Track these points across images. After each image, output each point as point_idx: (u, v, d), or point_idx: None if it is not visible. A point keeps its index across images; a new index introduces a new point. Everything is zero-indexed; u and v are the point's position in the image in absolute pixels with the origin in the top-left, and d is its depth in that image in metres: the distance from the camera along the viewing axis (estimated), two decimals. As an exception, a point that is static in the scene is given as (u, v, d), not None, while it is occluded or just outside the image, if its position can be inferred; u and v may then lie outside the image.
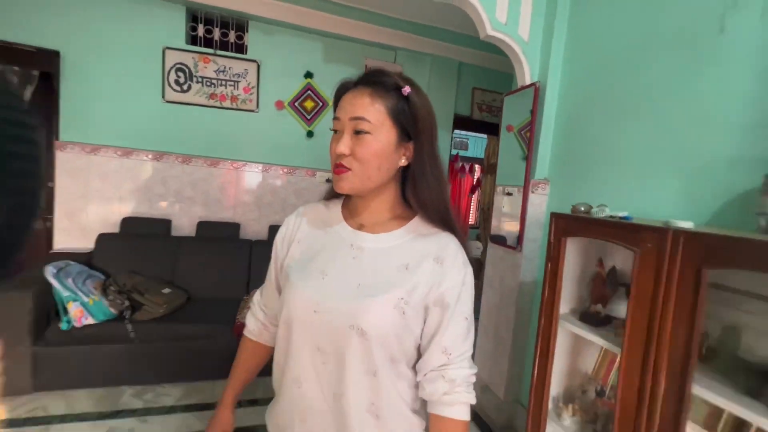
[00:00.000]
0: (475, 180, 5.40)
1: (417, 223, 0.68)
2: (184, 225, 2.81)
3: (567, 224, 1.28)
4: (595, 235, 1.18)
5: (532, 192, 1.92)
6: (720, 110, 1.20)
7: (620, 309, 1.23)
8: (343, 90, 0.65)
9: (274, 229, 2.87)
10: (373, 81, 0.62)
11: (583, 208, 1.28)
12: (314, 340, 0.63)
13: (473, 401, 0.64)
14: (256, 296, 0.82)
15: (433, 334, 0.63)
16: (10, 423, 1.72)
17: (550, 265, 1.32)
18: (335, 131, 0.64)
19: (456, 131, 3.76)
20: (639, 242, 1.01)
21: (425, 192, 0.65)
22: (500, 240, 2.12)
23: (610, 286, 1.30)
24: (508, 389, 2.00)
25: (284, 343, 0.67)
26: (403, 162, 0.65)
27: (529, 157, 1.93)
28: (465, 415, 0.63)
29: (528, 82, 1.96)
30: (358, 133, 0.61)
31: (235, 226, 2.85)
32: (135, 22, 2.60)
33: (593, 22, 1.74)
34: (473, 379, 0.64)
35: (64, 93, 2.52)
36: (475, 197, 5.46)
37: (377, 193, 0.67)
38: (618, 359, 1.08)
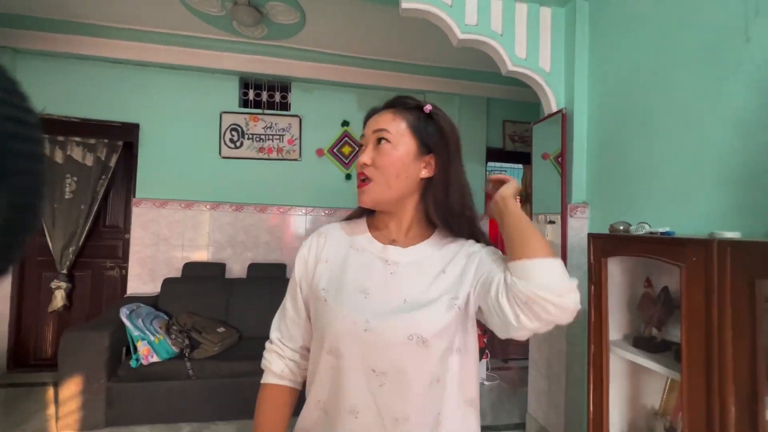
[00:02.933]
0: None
1: (440, 234, 0.70)
2: (237, 267, 3.03)
3: (606, 244, 1.25)
4: (636, 252, 1.14)
5: (571, 216, 1.88)
6: (755, 117, 1.16)
7: (677, 332, 1.14)
8: (371, 114, 0.71)
9: (317, 268, 2.99)
10: (396, 103, 0.69)
11: (621, 227, 1.25)
12: (367, 362, 0.60)
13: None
14: (273, 335, 0.74)
15: (491, 276, 0.60)
16: (85, 456, 1.86)
17: (593, 288, 1.27)
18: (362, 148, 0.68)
19: (492, 163, 3.81)
20: (683, 257, 0.97)
21: (449, 199, 0.66)
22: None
23: (663, 307, 1.22)
24: (567, 430, 1.84)
25: (332, 372, 0.63)
26: (425, 174, 0.67)
27: (563, 182, 1.92)
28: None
29: (554, 109, 2.00)
30: (379, 142, 0.65)
31: (282, 267, 3.01)
32: (197, 93, 3.03)
33: (614, 45, 1.77)
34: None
35: (141, 157, 2.95)
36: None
37: (400, 206, 0.68)
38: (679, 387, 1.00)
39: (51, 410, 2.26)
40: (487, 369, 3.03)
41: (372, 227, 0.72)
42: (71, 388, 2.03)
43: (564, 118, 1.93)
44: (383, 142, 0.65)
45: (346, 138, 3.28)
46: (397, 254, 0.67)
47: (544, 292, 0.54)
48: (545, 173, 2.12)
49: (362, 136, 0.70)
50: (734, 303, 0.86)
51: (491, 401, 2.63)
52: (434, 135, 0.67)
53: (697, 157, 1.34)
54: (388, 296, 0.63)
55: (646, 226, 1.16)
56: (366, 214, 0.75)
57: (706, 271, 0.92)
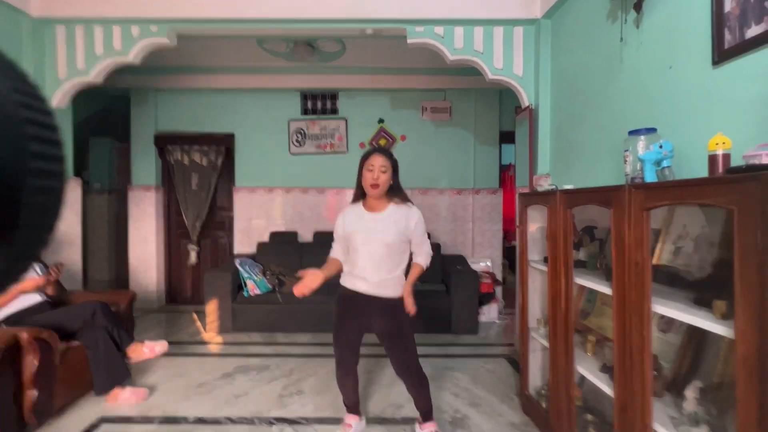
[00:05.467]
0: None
1: (394, 205, 1.68)
2: (306, 234, 4.12)
3: (525, 199, 1.99)
4: (535, 202, 1.88)
5: (537, 186, 2.56)
6: (622, 109, 1.80)
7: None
8: (371, 153, 1.68)
9: (363, 234, 3.97)
10: (386, 153, 1.67)
11: (538, 188, 1.97)
12: (368, 252, 1.63)
13: (427, 263, 1.62)
14: (335, 248, 1.80)
15: (414, 238, 1.64)
16: (225, 344, 3.06)
17: (519, 227, 2.03)
18: (369, 171, 1.64)
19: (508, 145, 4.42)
20: (548, 201, 1.71)
21: (399, 191, 1.68)
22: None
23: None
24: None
25: (355, 255, 1.67)
26: (391, 182, 1.66)
27: (530, 158, 2.60)
28: (423, 264, 1.62)
29: (525, 105, 2.66)
30: (382, 172, 1.62)
31: (337, 234, 4.03)
32: (271, 107, 4.11)
33: (566, 53, 2.40)
34: (429, 256, 1.65)
35: (237, 157, 4.13)
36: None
37: (383, 195, 1.67)
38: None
39: (198, 323, 3.55)
40: (499, 312, 3.77)
41: (365, 206, 1.71)
42: (212, 306, 3.26)
43: (530, 112, 2.60)
44: (383, 171, 1.62)
45: (382, 132, 4.15)
46: (377, 216, 1.68)
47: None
48: (524, 154, 2.79)
49: (370, 164, 1.66)
50: (564, 224, 1.60)
51: (497, 332, 3.40)
52: (395, 166, 1.67)
53: (598, 136, 1.99)
54: (375, 229, 1.63)
55: (547, 186, 1.88)
56: (360, 200, 1.74)
57: (554, 208, 1.65)
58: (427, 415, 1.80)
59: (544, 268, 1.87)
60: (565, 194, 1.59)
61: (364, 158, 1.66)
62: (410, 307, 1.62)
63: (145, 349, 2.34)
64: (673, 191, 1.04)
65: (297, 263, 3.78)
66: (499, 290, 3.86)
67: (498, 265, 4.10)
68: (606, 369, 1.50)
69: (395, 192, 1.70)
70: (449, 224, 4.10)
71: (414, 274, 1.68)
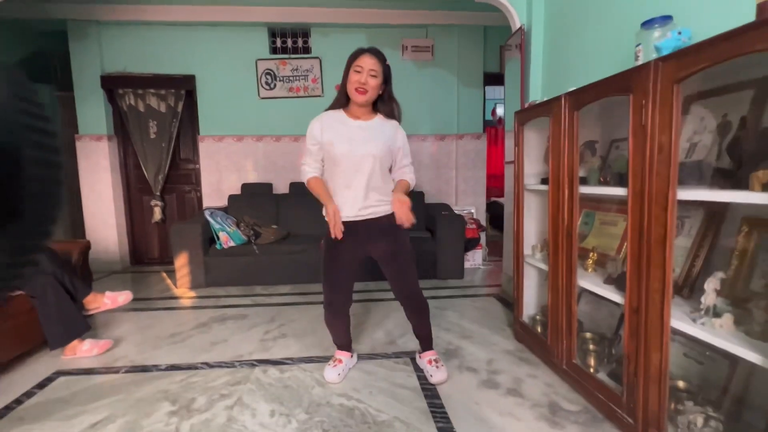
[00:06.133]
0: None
1: (380, 117, 1.49)
2: (281, 185, 3.85)
3: (522, 115, 1.83)
4: (535, 115, 1.73)
5: (528, 113, 2.41)
6: (618, 26, 1.64)
7: (562, 167, 1.74)
8: (360, 52, 1.43)
9: (343, 183, 3.75)
10: (377, 53, 1.42)
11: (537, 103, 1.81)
12: (353, 166, 1.42)
13: (413, 183, 1.48)
14: (306, 162, 1.53)
15: (399, 158, 1.46)
16: (198, 298, 2.85)
17: (516, 148, 1.88)
18: (357, 72, 1.40)
19: (496, 88, 4.25)
20: (551, 109, 1.56)
21: (388, 105, 1.49)
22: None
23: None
24: (523, 272, 2.52)
25: (336, 170, 1.46)
26: (380, 91, 1.46)
27: (522, 85, 2.43)
28: (410, 181, 1.45)
29: (516, 27, 2.45)
30: (372, 76, 1.39)
31: (315, 184, 3.79)
32: (235, 45, 3.69)
33: (560, -33, 2.18)
34: (413, 180, 1.49)
35: (200, 102, 3.73)
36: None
37: (369, 103, 1.46)
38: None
39: (168, 281, 3.30)
40: (484, 259, 3.73)
41: (347, 114, 1.48)
42: (182, 260, 3.01)
43: (523, 32, 2.40)
44: (373, 75, 1.37)
45: (359, 74, 3.84)
46: (363, 123, 1.47)
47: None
48: (515, 90, 2.61)
49: (358, 65, 1.41)
50: (569, 131, 1.46)
51: (482, 276, 3.36)
52: (387, 74, 1.46)
53: (601, 50, 1.83)
54: (361, 138, 1.43)
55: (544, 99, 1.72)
56: (340, 107, 1.51)
57: (559, 114, 1.50)
58: (427, 342, 1.70)
59: (543, 187, 1.75)
60: (572, 95, 1.44)
61: (352, 58, 1.43)
62: (406, 217, 1.42)
63: (105, 300, 2.10)
64: (714, 48, 0.89)
65: (273, 216, 3.55)
66: (483, 236, 3.81)
67: (482, 212, 4.03)
68: (611, 280, 1.42)
69: (384, 104, 1.49)
70: (432, 172, 3.94)
71: (402, 186, 1.49)
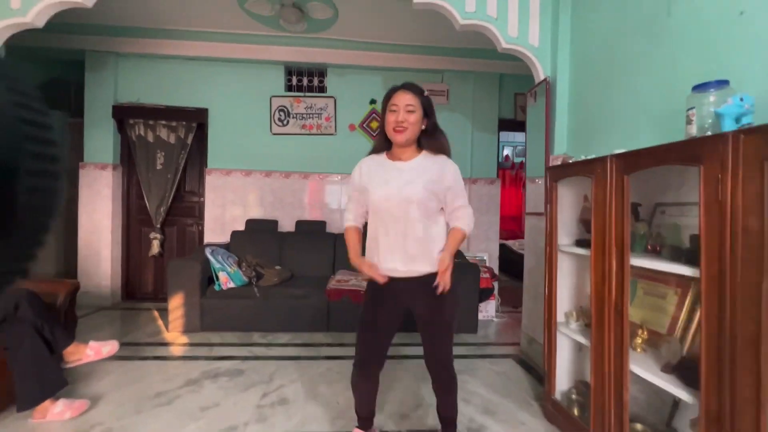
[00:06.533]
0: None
1: (425, 154, 1.34)
2: (287, 223, 3.71)
3: (556, 172, 1.71)
4: (572, 174, 1.61)
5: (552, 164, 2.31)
6: (673, 75, 1.57)
7: (602, 230, 1.60)
8: (394, 90, 1.31)
9: (351, 224, 3.61)
10: (413, 88, 1.30)
11: (571, 160, 1.70)
12: (391, 212, 1.30)
13: (470, 227, 1.33)
14: (348, 209, 1.45)
15: (450, 199, 1.30)
16: (190, 345, 2.61)
17: (548, 206, 1.75)
18: (392, 112, 1.29)
19: (511, 137, 4.22)
20: (594, 170, 1.44)
21: (434, 139, 1.34)
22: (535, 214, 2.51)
23: (598, 217, 1.67)
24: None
25: (375, 218, 1.35)
26: (423, 126, 1.32)
27: (546, 137, 2.35)
28: (464, 228, 1.31)
29: (541, 78, 2.41)
30: (409, 111, 1.26)
31: (322, 223, 3.65)
32: (251, 81, 3.68)
33: (588, 23, 2.16)
34: (471, 219, 1.33)
35: (211, 135, 3.67)
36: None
37: (411, 143, 1.33)
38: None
39: (160, 322, 3.07)
40: (497, 310, 3.51)
41: (388, 156, 1.37)
42: (177, 301, 2.80)
43: (548, 84, 2.35)
44: (410, 110, 1.26)
45: (373, 114, 3.82)
46: (403, 165, 1.35)
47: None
48: (537, 138, 2.54)
49: (393, 104, 1.30)
50: (616, 196, 1.33)
51: (497, 330, 3.13)
52: (427, 106, 1.31)
53: (635, 104, 1.75)
54: (398, 182, 1.31)
55: (582, 156, 1.61)
56: (384, 150, 1.40)
57: (603, 179, 1.38)
58: (451, 426, 1.48)
59: (580, 251, 1.60)
60: (620, 159, 1.32)
61: (387, 98, 1.31)
62: (444, 282, 1.26)
63: (89, 351, 1.89)
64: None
65: (276, 255, 3.38)
66: (496, 285, 3.61)
67: (495, 258, 3.86)
68: (670, 369, 1.23)
69: (430, 138, 1.34)
70: (444, 215, 3.81)
71: (453, 241, 1.30)
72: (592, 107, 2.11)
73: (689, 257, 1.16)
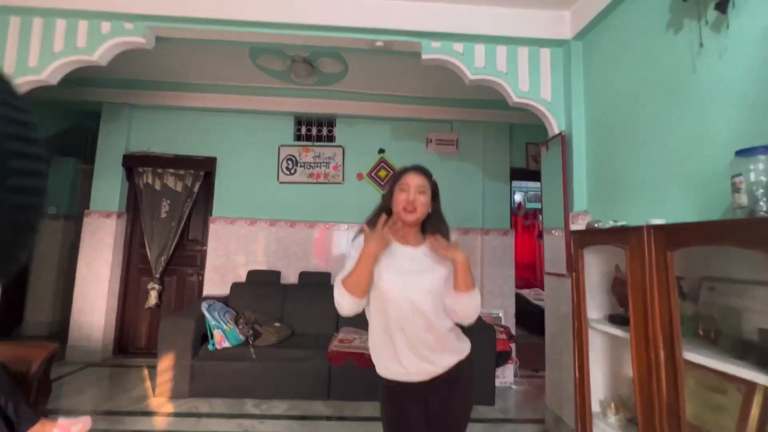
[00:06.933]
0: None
1: (428, 239, 1.23)
2: (290, 275, 3.54)
3: (582, 238, 1.54)
4: (600, 242, 1.43)
5: (573, 223, 2.14)
6: (703, 134, 1.43)
7: (639, 307, 1.39)
8: (404, 171, 1.25)
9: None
10: (424, 172, 1.25)
11: (596, 224, 1.54)
12: (403, 306, 1.14)
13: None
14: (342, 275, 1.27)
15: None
16: (175, 415, 2.37)
17: (574, 275, 1.56)
18: (403, 191, 1.21)
19: (522, 183, 4.09)
20: (627, 240, 1.27)
21: (441, 222, 1.27)
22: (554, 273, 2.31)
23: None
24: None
25: (380, 316, 1.17)
26: (429, 210, 1.25)
27: (564, 193, 2.21)
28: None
29: (556, 132, 2.31)
30: (420, 192, 1.21)
31: (327, 275, 3.48)
32: (260, 131, 3.71)
33: (603, 77, 2.09)
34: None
35: (217, 183, 3.64)
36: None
37: (419, 223, 1.25)
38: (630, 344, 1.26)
39: (148, 383, 2.84)
40: (515, 375, 3.19)
41: (395, 236, 1.24)
42: (166, 363, 2.59)
43: (563, 139, 2.24)
44: (421, 191, 1.22)
45: (382, 163, 3.76)
46: (413, 252, 1.23)
47: (460, 318, 1.17)
48: (553, 189, 2.40)
49: (404, 184, 1.23)
50: (658, 272, 1.14)
51: (517, 401, 2.80)
52: (435, 190, 1.27)
53: (663, 165, 1.61)
54: (412, 270, 1.18)
55: (611, 222, 1.45)
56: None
57: (641, 250, 1.21)
58: None
59: (616, 331, 1.39)
60: (662, 231, 1.15)
61: (396, 177, 1.26)
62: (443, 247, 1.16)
63: (56, 430, 1.68)
64: None
65: (277, 308, 3.19)
66: (514, 347, 3.31)
67: (511, 316, 3.58)
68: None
69: (433, 222, 1.26)
70: (455, 268, 3.61)
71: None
72: (613, 164, 1.98)
73: (761, 356, 0.95)
